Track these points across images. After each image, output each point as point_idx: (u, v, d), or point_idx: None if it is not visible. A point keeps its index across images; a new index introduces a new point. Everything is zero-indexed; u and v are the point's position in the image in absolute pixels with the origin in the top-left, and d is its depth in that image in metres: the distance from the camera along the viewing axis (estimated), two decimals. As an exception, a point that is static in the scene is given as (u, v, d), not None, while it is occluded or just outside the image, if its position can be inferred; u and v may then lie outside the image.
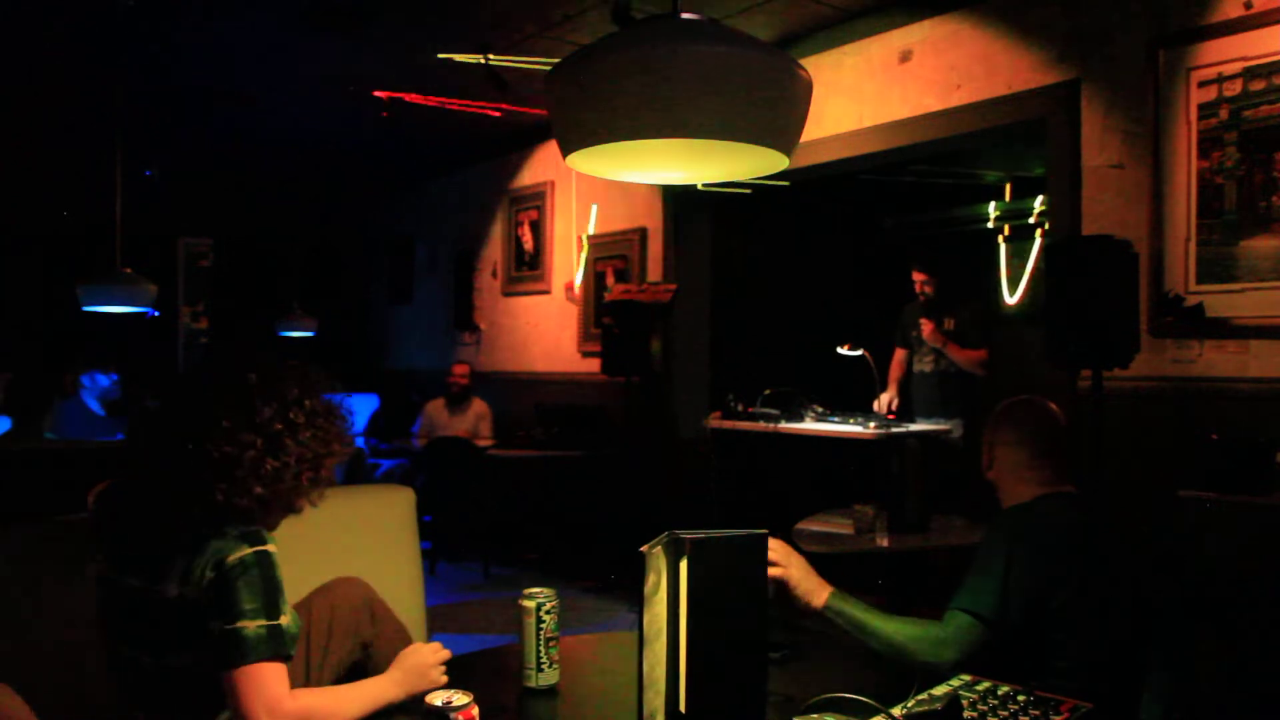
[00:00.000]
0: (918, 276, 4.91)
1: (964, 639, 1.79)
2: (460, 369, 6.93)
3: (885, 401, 4.81)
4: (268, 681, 1.44)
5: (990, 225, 7.02)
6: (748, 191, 5.54)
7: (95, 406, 5.81)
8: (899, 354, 5.12)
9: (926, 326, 4.75)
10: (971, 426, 4.66)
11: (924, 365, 4.92)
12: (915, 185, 6.80)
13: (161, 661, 1.51)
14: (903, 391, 5.07)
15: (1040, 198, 6.57)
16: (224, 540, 1.51)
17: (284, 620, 1.50)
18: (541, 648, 1.67)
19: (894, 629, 1.81)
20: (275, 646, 1.46)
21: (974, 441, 4.54)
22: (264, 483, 1.54)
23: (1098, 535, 1.93)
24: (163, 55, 5.40)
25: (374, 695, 1.59)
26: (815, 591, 1.82)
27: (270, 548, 1.53)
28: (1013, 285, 6.88)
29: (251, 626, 1.44)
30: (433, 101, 5.97)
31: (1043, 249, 6.63)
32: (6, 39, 5.15)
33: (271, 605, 1.48)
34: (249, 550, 1.50)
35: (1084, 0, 3.83)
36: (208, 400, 1.58)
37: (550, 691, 1.69)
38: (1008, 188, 6.95)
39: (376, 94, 5.90)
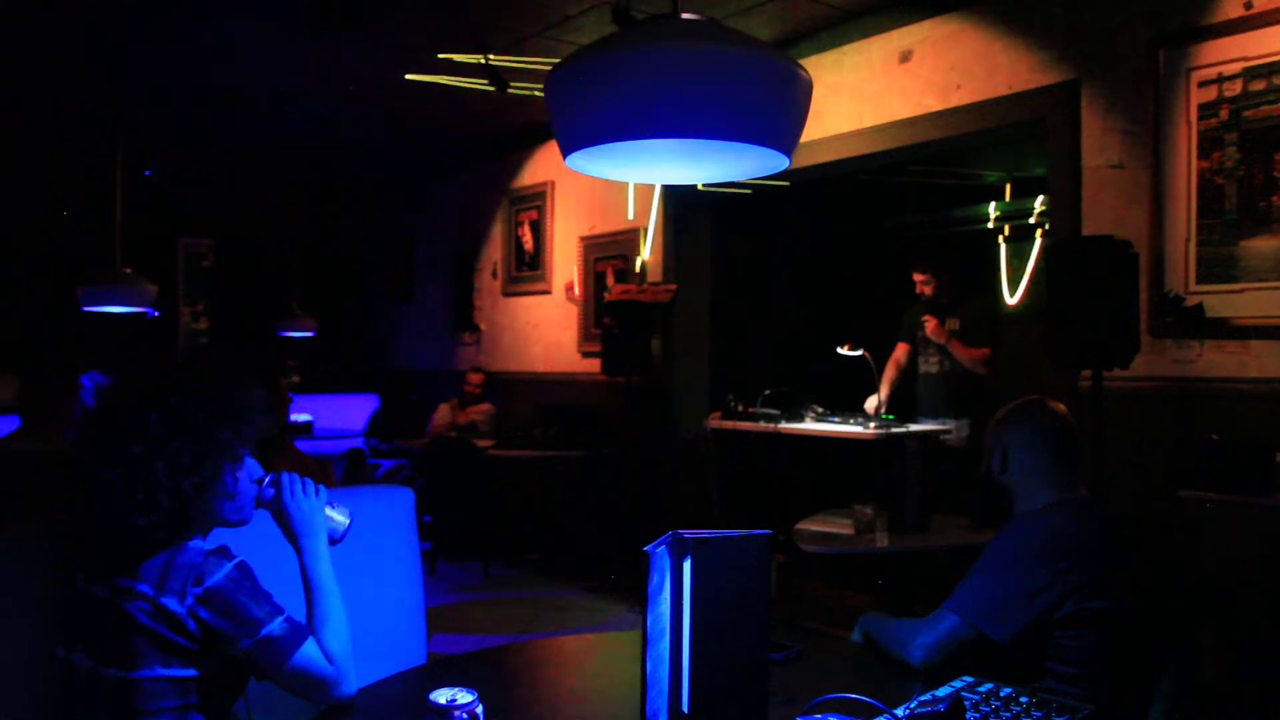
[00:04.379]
0: (918, 277, 4.91)
1: (951, 643, 1.77)
2: (475, 376, 6.94)
3: (873, 406, 4.79)
4: (315, 659, 1.55)
5: (990, 225, 7.03)
6: (748, 191, 5.54)
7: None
8: (899, 350, 5.09)
9: (930, 322, 4.74)
10: (976, 427, 4.65)
11: (929, 366, 4.91)
12: (915, 185, 6.81)
13: (126, 676, 1.50)
14: (899, 392, 5.06)
15: (1041, 197, 6.59)
16: (196, 557, 1.52)
17: (287, 611, 1.57)
18: None
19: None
20: (302, 629, 1.56)
21: (978, 442, 4.55)
22: (145, 509, 1.49)
23: (1111, 541, 1.91)
24: (163, 55, 5.40)
25: (323, 567, 1.66)
26: None
27: (243, 558, 1.57)
28: (1013, 286, 6.89)
29: (275, 627, 1.52)
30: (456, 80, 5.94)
31: (1043, 249, 6.66)
32: (7, 39, 5.15)
33: (273, 603, 1.55)
34: (229, 565, 1.53)
35: (1084, 0, 3.83)
36: (118, 407, 1.58)
37: (554, 691, 1.69)
38: (1008, 188, 6.96)
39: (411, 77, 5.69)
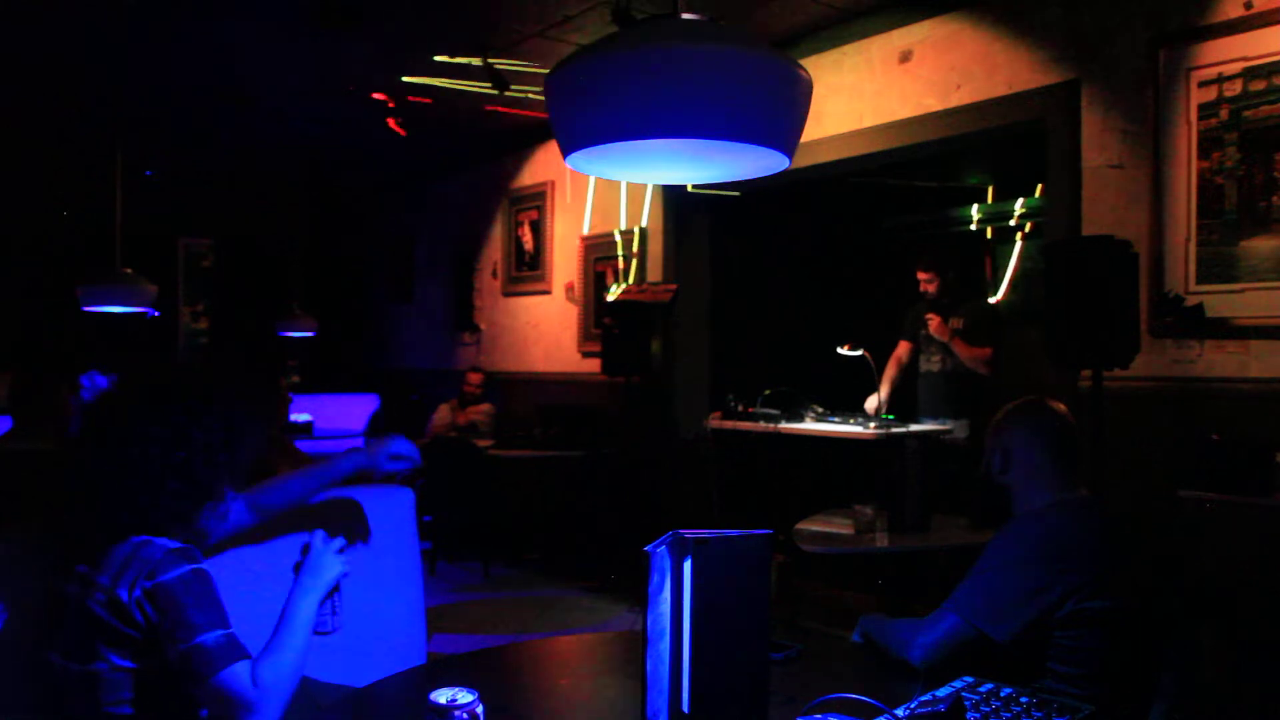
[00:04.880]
0: (922, 275, 4.91)
1: (951, 642, 1.77)
2: (475, 377, 6.94)
3: (873, 408, 4.79)
4: (239, 681, 1.51)
5: (974, 227, 7.08)
6: (736, 194, 5.55)
7: (95, 407, 5.80)
8: (900, 348, 5.10)
9: (934, 320, 4.75)
10: (977, 427, 4.65)
11: (931, 365, 4.91)
12: (911, 187, 6.82)
13: (87, 669, 1.52)
14: (900, 390, 5.06)
15: (1020, 200, 6.67)
16: (156, 553, 1.53)
17: (233, 627, 1.55)
18: None
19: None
20: (237, 649, 1.52)
21: (978, 442, 4.56)
22: (177, 474, 1.58)
23: (1110, 541, 1.90)
24: (163, 55, 5.40)
25: (304, 605, 1.68)
26: None
27: (205, 566, 1.57)
28: (995, 286, 6.93)
29: (210, 638, 1.50)
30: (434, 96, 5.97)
31: (1023, 250, 6.72)
32: (7, 39, 5.15)
33: (220, 616, 1.54)
34: (187, 568, 1.53)
35: (1084, 0, 3.83)
36: (114, 404, 1.67)
37: (554, 691, 1.68)
38: (990, 190, 7.02)
39: (376, 96, 5.90)
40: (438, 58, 5.22)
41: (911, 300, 5.07)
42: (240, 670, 1.51)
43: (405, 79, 5.51)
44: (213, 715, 1.54)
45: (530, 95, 5.48)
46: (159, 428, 1.59)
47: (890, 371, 5.04)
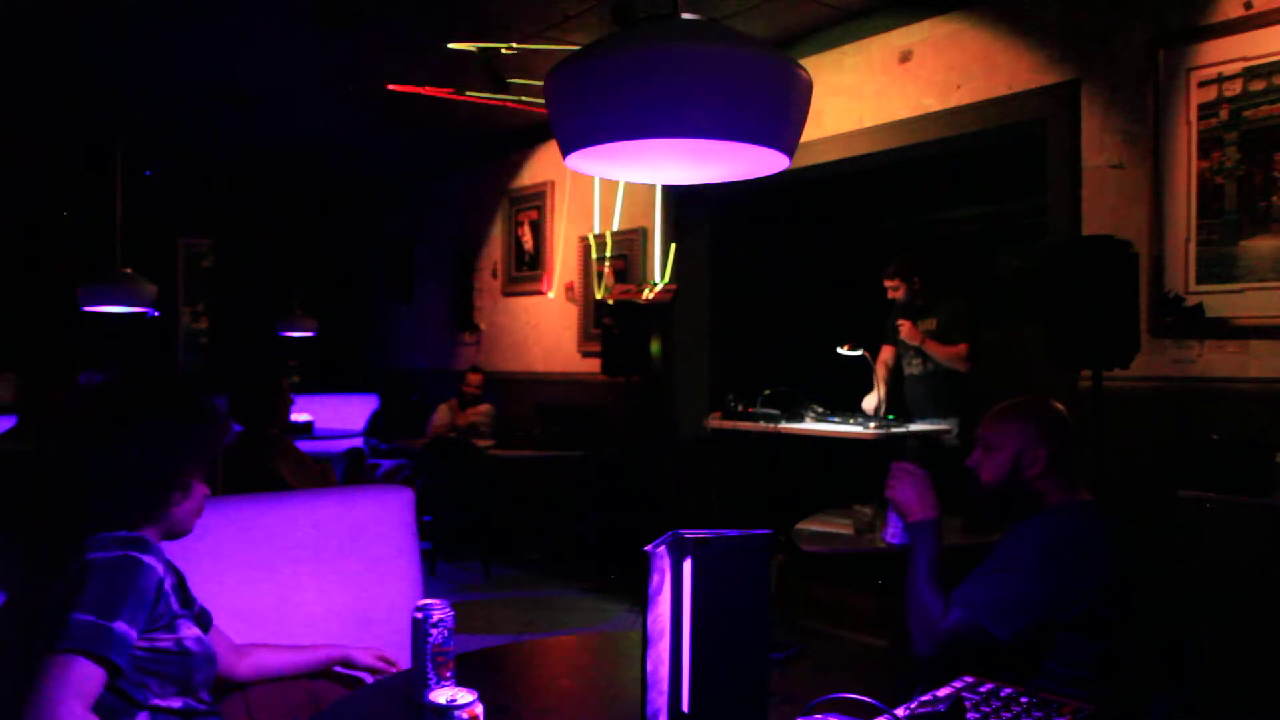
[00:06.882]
0: (887, 283, 4.97)
1: (957, 639, 1.77)
2: (474, 377, 6.93)
3: (872, 407, 4.80)
4: (74, 676, 1.40)
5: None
6: (747, 191, 5.53)
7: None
8: (884, 352, 5.14)
9: (904, 326, 4.78)
10: (966, 426, 4.65)
11: (912, 369, 4.94)
12: (915, 186, 6.82)
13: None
14: (891, 391, 5.08)
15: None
16: (109, 536, 1.55)
17: (118, 626, 1.45)
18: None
19: (925, 594, 1.84)
20: (94, 643, 1.42)
21: (968, 441, 4.55)
22: (129, 473, 1.60)
23: (1114, 544, 1.89)
24: (163, 55, 5.40)
25: None
26: (914, 510, 1.92)
27: (146, 559, 1.53)
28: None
29: (84, 618, 1.43)
30: (440, 92, 5.94)
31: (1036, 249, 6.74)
32: (7, 39, 5.15)
33: (110, 606, 1.45)
34: (119, 553, 1.52)
35: (1084, 0, 3.83)
36: (72, 416, 1.75)
37: (554, 691, 1.68)
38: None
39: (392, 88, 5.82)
40: (449, 44, 5.18)
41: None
42: (81, 671, 1.39)
43: (400, 84, 5.50)
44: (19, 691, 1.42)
45: (521, 97, 5.47)
46: (107, 433, 1.62)
47: (880, 373, 5.08)
